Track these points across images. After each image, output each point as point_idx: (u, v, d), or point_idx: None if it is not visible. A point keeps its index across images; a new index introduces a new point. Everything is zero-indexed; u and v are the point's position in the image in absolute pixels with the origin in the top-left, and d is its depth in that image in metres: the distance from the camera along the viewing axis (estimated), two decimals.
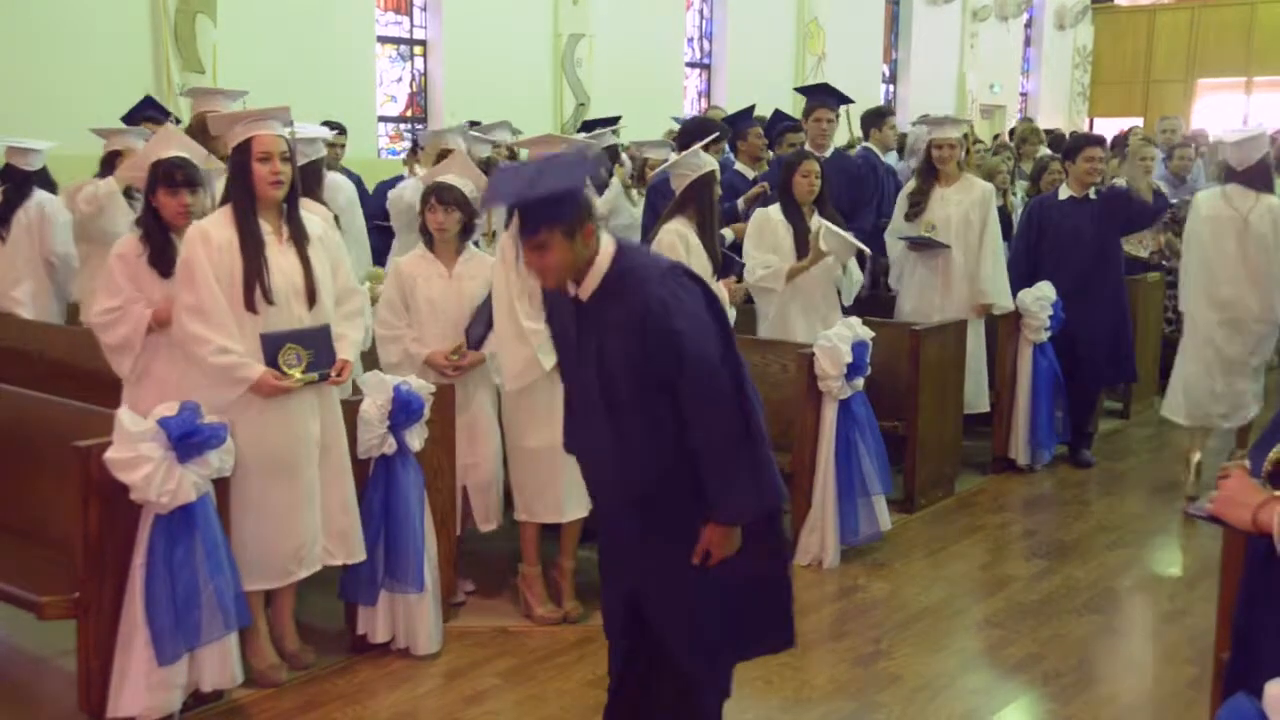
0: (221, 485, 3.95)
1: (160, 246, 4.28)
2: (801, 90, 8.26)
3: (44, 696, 4.23)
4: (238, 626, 3.91)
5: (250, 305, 3.98)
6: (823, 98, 7.43)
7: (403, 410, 4.30)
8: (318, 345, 4.09)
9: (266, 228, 4.06)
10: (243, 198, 4.04)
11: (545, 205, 2.98)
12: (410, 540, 4.35)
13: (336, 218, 5.35)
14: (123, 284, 4.25)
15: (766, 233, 6.10)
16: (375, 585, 4.37)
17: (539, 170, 3.12)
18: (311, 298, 4.10)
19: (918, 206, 6.86)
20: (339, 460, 4.25)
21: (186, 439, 3.71)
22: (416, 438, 4.40)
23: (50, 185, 6.65)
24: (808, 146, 7.07)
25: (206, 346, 3.92)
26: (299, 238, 4.12)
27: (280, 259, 4.05)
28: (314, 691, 4.21)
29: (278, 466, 4.06)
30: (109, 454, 3.65)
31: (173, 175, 4.28)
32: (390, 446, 4.33)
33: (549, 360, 4.49)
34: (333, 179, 6.52)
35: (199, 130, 5.44)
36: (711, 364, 3.01)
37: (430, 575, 4.42)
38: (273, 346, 4.00)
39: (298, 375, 4.02)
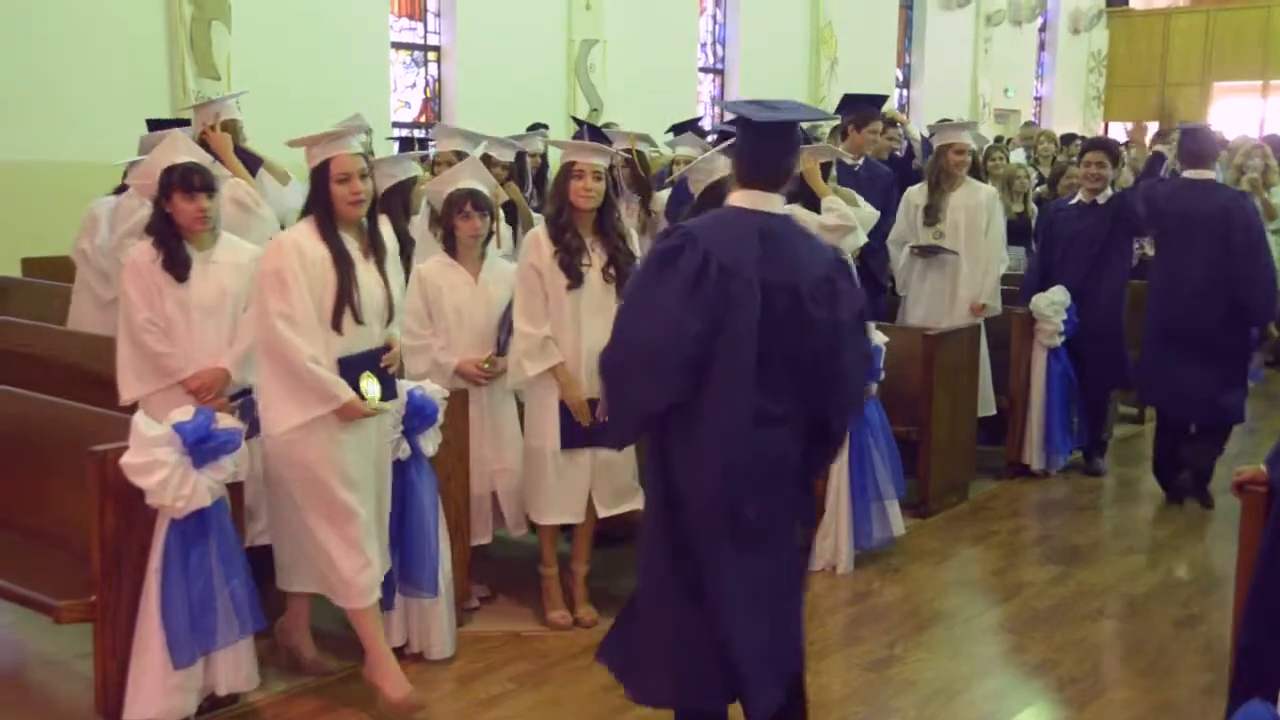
0: (235, 490, 3.96)
1: (173, 252, 4.28)
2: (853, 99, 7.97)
3: (60, 700, 4.25)
4: (253, 630, 3.93)
5: (337, 326, 3.93)
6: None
7: (417, 415, 4.31)
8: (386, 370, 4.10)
9: (352, 244, 4.01)
10: (324, 216, 3.98)
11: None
12: (425, 545, 4.35)
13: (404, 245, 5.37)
14: (139, 295, 4.25)
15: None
16: (390, 589, 4.37)
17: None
18: (390, 315, 4.10)
19: (933, 214, 6.82)
20: (384, 473, 4.22)
21: (201, 444, 3.73)
22: (430, 443, 4.40)
23: None
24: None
25: (301, 355, 3.85)
26: (380, 254, 4.10)
27: (366, 277, 4.02)
28: (328, 695, 4.22)
29: (349, 482, 3.99)
30: (125, 458, 3.67)
31: (191, 180, 4.28)
32: (404, 451, 4.33)
33: (533, 366, 4.54)
34: None
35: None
36: None
37: (444, 580, 4.42)
38: (353, 371, 3.96)
39: (377, 402, 4.01)
